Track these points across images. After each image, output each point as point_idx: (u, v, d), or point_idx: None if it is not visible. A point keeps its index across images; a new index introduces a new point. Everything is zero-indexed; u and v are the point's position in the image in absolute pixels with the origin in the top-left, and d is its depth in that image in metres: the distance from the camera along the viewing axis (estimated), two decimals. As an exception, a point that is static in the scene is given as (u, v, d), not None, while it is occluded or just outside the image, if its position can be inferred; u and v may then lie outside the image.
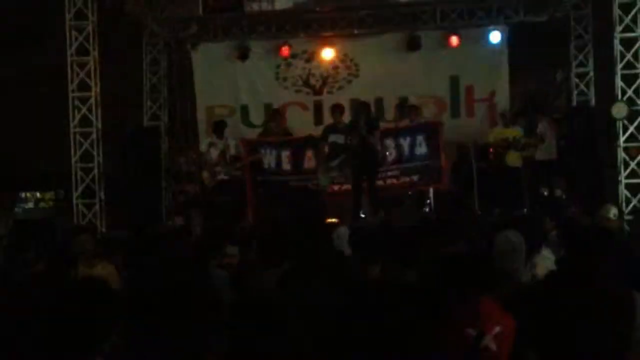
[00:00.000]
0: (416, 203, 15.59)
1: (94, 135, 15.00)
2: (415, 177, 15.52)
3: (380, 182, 14.85)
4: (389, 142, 15.42)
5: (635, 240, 7.68)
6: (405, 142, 15.60)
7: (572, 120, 16.13)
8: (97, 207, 15.06)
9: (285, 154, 15.38)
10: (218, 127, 15.34)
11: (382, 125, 15.74)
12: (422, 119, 16.20)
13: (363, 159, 13.83)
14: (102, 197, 15.10)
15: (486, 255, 5.63)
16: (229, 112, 18.30)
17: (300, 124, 17.78)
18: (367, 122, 13.91)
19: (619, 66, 14.33)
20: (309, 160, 15.75)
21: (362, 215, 14.17)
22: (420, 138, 15.49)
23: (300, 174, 15.61)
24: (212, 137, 15.59)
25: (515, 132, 15.34)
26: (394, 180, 15.61)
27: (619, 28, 14.33)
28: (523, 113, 16.43)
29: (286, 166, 15.41)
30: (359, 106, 14.72)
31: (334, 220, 13.33)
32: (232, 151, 15.11)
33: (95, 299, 3.69)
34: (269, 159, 15.48)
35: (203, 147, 14.99)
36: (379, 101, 17.96)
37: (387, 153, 15.24)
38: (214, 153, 14.72)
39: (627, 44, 14.43)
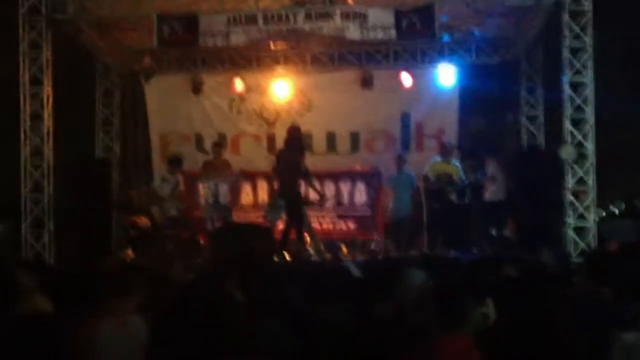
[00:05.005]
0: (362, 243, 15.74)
1: (44, 166, 14.89)
2: (351, 225, 15.64)
3: (316, 226, 14.97)
4: (329, 184, 15.55)
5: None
6: (345, 188, 15.72)
7: (521, 162, 16.29)
8: (45, 238, 14.91)
9: (223, 189, 15.33)
10: (172, 163, 15.28)
11: (334, 159, 16.38)
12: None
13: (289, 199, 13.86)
14: (51, 228, 14.95)
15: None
16: (183, 140, 18.30)
17: (253, 154, 18.02)
18: (294, 144, 13.93)
19: (569, 110, 14.50)
20: (247, 195, 15.91)
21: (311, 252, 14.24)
22: (360, 186, 15.61)
23: (239, 210, 15.69)
24: (166, 172, 15.48)
25: (454, 168, 15.38)
26: (330, 226, 15.73)
27: (569, 72, 14.52)
28: (473, 154, 16.56)
29: (224, 199, 15.33)
30: (289, 129, 14.70)
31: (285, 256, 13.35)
32: (182, 187, 15.04)
33: (36, 335, 3.67)
34: (207, 193, 15.42)
35: (157, 181, 14.90)
36: (331, 135, 18.18)
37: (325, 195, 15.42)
38: (167, 188, 14.65)
39: (577, 88, 14.62)
